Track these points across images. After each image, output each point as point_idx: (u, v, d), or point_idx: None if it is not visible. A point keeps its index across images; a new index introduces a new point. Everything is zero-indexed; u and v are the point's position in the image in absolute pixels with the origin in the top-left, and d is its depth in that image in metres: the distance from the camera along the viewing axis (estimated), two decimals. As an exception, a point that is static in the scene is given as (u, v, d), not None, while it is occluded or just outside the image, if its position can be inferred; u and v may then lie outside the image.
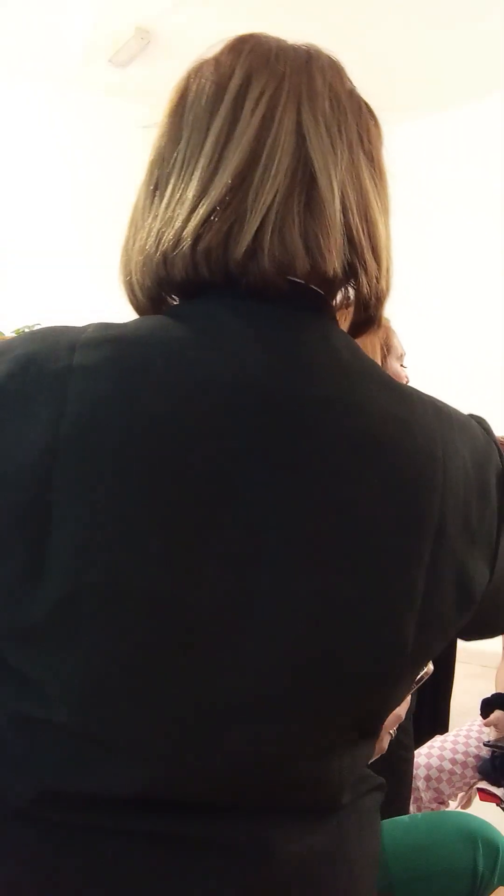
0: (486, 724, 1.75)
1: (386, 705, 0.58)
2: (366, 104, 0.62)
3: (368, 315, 0.63)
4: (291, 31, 0.63)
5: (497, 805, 1.72)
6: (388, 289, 0.62)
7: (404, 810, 1.56)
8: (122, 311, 0.61)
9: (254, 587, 0.49)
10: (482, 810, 1.44)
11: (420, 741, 1.81)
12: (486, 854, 0.98)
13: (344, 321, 0.64)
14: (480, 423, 0.64)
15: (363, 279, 0.59)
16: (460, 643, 1.97)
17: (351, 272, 0.59)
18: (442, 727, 1.96)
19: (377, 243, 0.60)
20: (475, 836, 0.99)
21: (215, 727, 0.50)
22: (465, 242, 4.18)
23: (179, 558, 0.47)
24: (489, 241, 4.07)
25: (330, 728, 0.54)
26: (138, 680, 0.48)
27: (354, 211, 0.57)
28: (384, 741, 1.02)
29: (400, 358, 1.51)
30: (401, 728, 1.32)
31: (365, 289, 0.60)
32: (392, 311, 1.46)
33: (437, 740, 1.78)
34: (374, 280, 0.60)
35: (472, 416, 0.64)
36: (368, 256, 0.59)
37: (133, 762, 0.50)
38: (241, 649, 0.49)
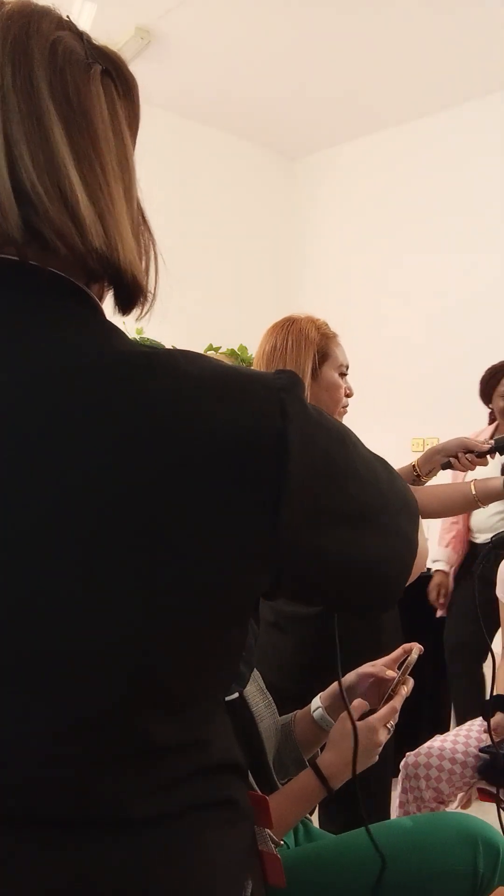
0: (485, 732, 1.75)
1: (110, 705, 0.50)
2: (68, 49, 0.55)
3: (118, 285, 0.57)
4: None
5: (497, 805, 1.72)
6: (117, 252, 0.54)
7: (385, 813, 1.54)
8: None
9: None
10: (482, 810, 1.45)
11: (420, 741, 1.81)
12: (487, 854, 0.98)
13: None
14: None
15: (51, 238, 0.52)
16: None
17: (32, 231, 0.52)
18: (442, 727, 1.97)
19: (71, 196, 0.52)
20: (475, 837, 0.99)
21: None
22: (466, 242, 4.18)
23: None
24: (489, 242, 4.07)
25: (65, 734, 0.50)
26: None
27: (29, 161, 0.51)
28: (381, 734, 1.01)
29: (338, 368, 1.49)
30: None
31: (62, 250, 0.52)
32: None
33: (437, 740, 1.78)
34: (77, 238, 0.52)
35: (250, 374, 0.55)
36: (55, 211, 0.52)
37: None
38: None
